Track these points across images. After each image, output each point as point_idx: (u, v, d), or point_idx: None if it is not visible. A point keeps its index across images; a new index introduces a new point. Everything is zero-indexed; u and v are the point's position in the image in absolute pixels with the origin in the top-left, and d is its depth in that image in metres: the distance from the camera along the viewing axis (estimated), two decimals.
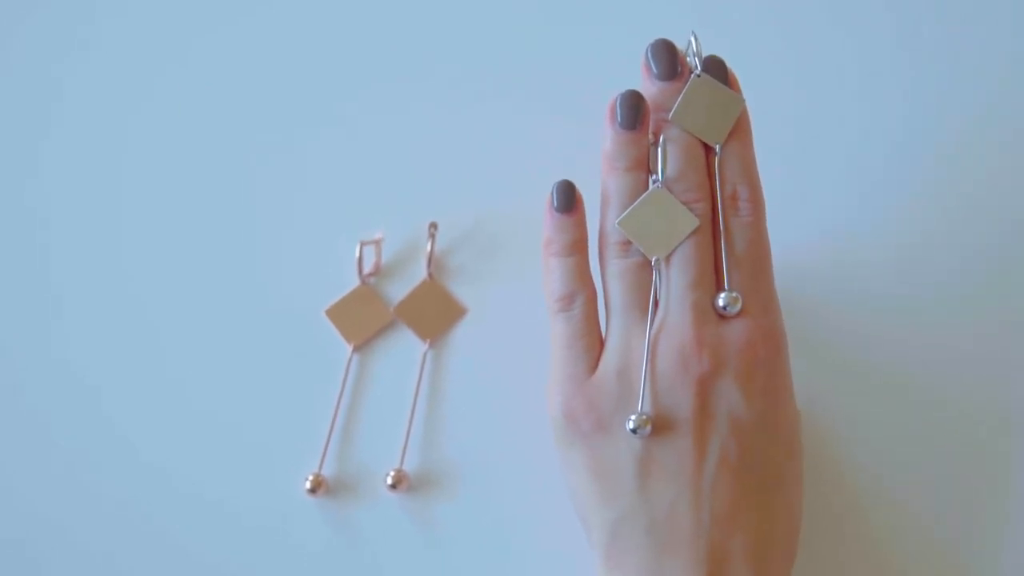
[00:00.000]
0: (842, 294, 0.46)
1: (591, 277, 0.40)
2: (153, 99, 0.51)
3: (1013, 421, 0.45)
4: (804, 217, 0.47)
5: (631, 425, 0.36)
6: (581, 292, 0.39)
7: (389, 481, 0.44)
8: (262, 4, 0.53)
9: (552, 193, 0.40)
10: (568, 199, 0.40)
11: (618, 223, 0.38)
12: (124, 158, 0.50)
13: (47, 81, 0.52)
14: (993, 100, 0.49)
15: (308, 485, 0.44)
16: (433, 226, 0.47)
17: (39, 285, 0.48)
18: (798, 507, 0.38)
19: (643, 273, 0.38)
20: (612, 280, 0.39)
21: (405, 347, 0.47)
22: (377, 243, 0.47)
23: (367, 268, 0.47)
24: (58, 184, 0.50)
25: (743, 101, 0.39)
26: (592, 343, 0.39)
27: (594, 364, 0.39)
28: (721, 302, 0.37)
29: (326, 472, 0.45)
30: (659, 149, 0.39)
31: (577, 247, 0.40)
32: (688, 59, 0.39)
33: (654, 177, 0.39)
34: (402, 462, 0.45)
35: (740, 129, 0.39)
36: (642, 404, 0.37)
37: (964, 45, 0.50)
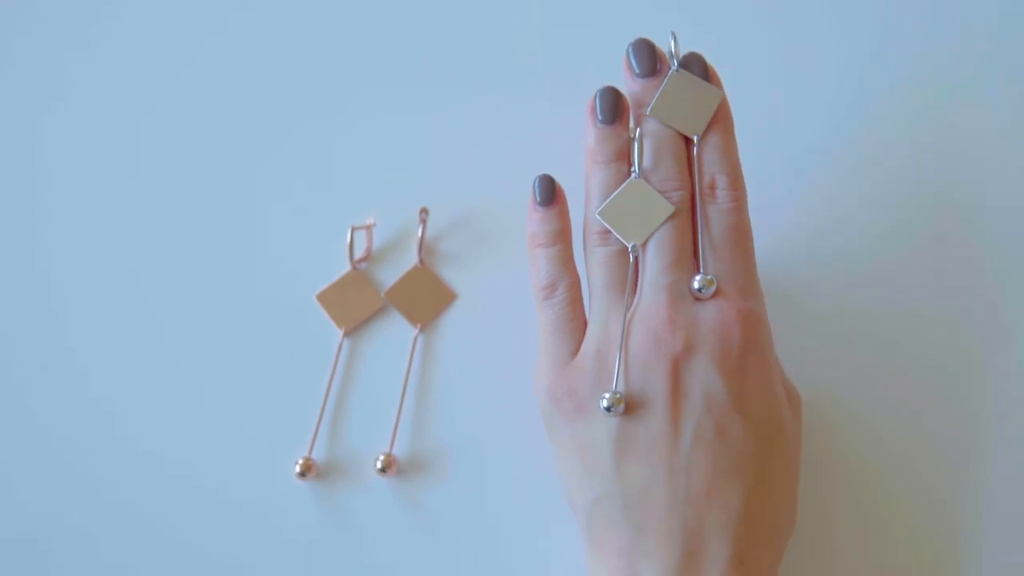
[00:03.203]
0: (837, 280, 0.46)
1: (574, 265, 0.41)
2: (145, 90, 0.51)
3: (1010, 404, 0.44)
4: (796, 206, 0.47)
5: (604, 404, 0.37)
6: (564, 279, 0.40)
7: (379, 465, 0.44)
8: None
9: (533, 188, 0.41)
10: (548, 192, 0.41)
11: (597, 213, 0.39)
12: (114, 147, 0.50)
13: (45, 77, 0.52)
14: (983, 91, 0.49)
15: (298, 469, 0.44)
16: (424, 211, 0.48)
17: (34, 273, 0.48)
18: (785, 485, 0.38)
19: (622, 260, 0.39)
20: (593, 268, 0.40)
21: (396, 332, 0.47)
22: (368, 228, 0.47)
23: (358, 253, 0.47)
24: (55, 177, 0.50)
25: (722, 93, 0.40)
26: (576, 328, 0.40)
27: (577, 348, 0.39)
28: (696, 284, 0.38)
29: (316, 456, 0.45)
30: (636, 142, 0.40)
31: (560, 237, 0.41)
32: (669, 57, 0.40)
33: (634, 169, 0.40)
34: (392, 446, 0.45)
35: (719, 120, 0.40)
36: (616, 383, 0.37)
37: (944, 37, 0.50)
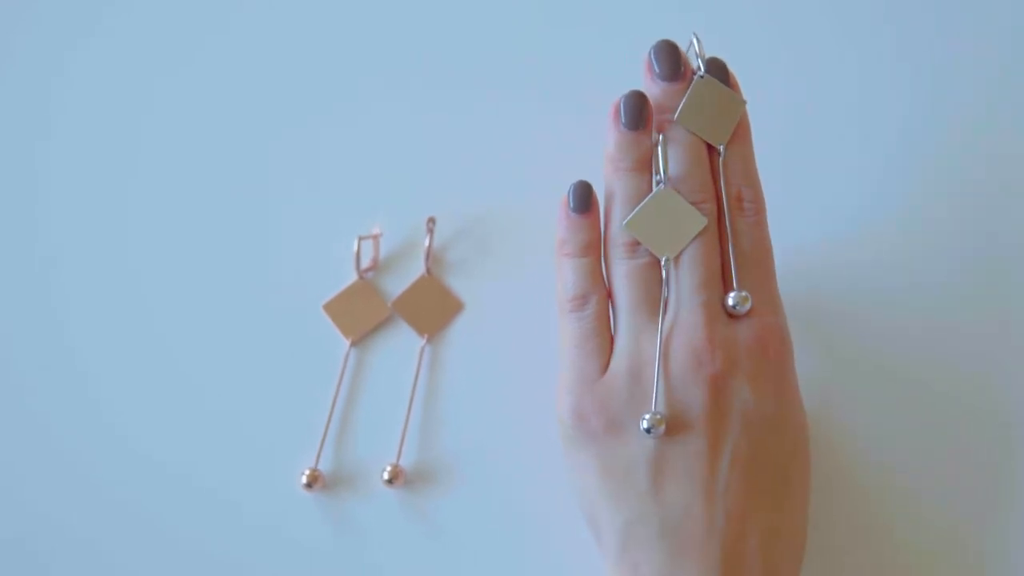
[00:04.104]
0: (845, 294, 0.47)
1: (603, 278, 0.40)
2: (150, 95, 0.51)
3: (1020, 421, 0.45)
4: (806, 217, 0.47)
5: (645, 424, 0.36)
6: (594, 293, 0.39)
7: (385, 476, 0.44)
8: None
9: (568, 194, 0.40)
10: (584, 200, 0.40)
11: (625, 224, 0.38)
12: (122, 153, 0.50)
13: (45, 77, 0.51)
14: (993, 97, 0.50)
15: (304, 480, 0.44)
16: (431, 221, 0.47)
17: (38, 279, 0.48)
18: (804, 505, 0.38)
19: (651, 273, 0.38)
20: (620, 281, 0.39)
21: (402, 342, 0.47)
22: (375, 238, 0.47)
23: (365, 263, 0.47)
24: (59, 180, 0.49)
25: (744, 102, 0.39)
26: (603, 344, 0.39)
27: (604, 365, 0.38)
28: (731, 302, 0.37)
29: (322, 467, 0.45)
30: (660, 148, 0.38)
31: (591, 248, 0.40)
32: (690, 60, 0.39)
33: (658, 177, 0.39)
34: (399, 457, 0.45)
35: (741, 130, 0.39)
36: (655, 404, 0.37)
37: (962, 42, 0.51)
